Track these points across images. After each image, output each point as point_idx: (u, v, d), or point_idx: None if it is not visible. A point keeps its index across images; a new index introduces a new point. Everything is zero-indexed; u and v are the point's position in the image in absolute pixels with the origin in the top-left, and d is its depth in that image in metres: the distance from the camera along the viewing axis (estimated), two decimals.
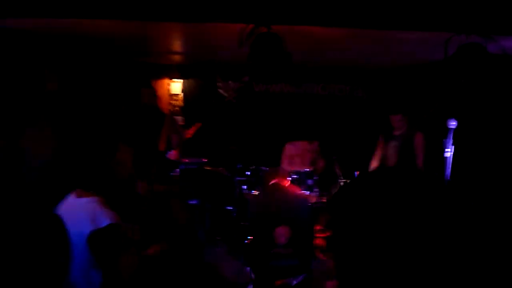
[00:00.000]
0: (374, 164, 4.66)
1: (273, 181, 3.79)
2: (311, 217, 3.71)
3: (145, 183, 4.01)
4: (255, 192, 4.68)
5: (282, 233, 3.01)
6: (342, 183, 4.77)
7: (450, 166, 3.20)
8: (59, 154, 4.02)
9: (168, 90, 6.03)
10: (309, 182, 4.85)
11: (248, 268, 3.18)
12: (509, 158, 4.41)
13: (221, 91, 6.01)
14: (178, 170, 4.14)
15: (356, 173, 5.04)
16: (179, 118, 5.89)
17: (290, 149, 5.30)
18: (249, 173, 5.06)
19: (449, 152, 3.23)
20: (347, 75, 5.96)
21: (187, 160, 4.78)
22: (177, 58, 5.41)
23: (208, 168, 4.97)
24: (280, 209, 3.48)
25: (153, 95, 4.15)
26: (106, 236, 1.99)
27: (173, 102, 6.07)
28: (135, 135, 4.02)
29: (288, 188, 3.97)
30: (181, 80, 6.01)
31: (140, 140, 4.05)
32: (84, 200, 2.19)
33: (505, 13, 2.39)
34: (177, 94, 6.07)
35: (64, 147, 4.16)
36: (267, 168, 4.93)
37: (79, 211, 2.14)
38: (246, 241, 3.94)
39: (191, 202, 4.72)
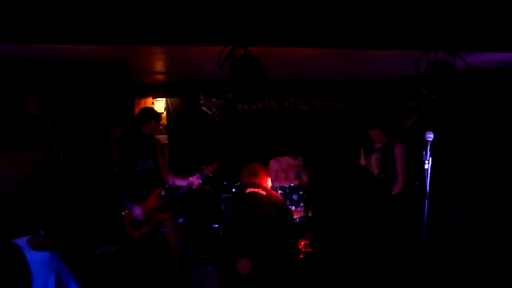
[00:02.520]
0: None
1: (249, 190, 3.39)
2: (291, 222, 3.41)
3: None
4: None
5: (244, 265, 2.86)
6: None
7: (429, 177, 3.29)
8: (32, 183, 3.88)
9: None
10: (295, 197, 4.88)
11: None
12: (485, 166, 4.55)
13: (204, 108, 6.05)
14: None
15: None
16: (161, 137, 5.91)
17: (274, 164, 5.34)
18: (234, 190, 5.08)
19: (427, 164, 3.33)
20: (329, 90, 6.06)
21: None
22: (159, 77, 5.45)
23: None
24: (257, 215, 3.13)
25: (158, 127, 4.04)
26: None
27: None
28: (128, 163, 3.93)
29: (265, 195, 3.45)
30: (164, 99, 6.05)
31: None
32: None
33: (468, 31, 2.51)
34: (161, 113, 6.10)
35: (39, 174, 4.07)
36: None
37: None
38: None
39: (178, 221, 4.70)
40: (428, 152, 3.32)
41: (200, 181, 4.13)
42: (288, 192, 4.90)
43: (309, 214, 5.31)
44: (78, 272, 1.75)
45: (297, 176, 5.37)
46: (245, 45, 2.51)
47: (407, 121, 5.33)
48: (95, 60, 3.83)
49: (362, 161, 4.73)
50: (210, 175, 4.24)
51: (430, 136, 3.30)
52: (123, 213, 3.81)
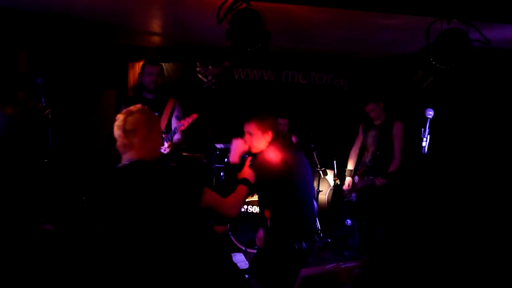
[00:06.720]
0: (353, 152, 4.67)
1: None
2: None
3: None
4: None
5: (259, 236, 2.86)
6: (320, 171, 4.75)
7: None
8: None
9: None
10: None
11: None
12: (486, 147, 4.49)
13: (200, 76, 5.88)
14: None
15: (334, 161, 5.04)
16: None
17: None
18: (227, 159, 5.00)
19: (425, 142, 3.25)
20: (327, 64, 5.93)
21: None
22: (155, 40, 5.24)
23: (185, 154, 4.86)
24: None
25: (159, 73, 3.70)
26: None
27: None
28: None
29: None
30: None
31: None
32: None
33: None
34: None
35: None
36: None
37: None
38: None
39: None
40: (427, 130, 3.24)
41: (169, 141, 3.81)
42: None
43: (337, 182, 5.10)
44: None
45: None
46: None
47: (424, 83, 5.09)
48: (88, 13, 3.63)
49: (359, 137, 4.65)
50: (184, 129, 3.86)
51: (430, 114, 3.22)
52: None
